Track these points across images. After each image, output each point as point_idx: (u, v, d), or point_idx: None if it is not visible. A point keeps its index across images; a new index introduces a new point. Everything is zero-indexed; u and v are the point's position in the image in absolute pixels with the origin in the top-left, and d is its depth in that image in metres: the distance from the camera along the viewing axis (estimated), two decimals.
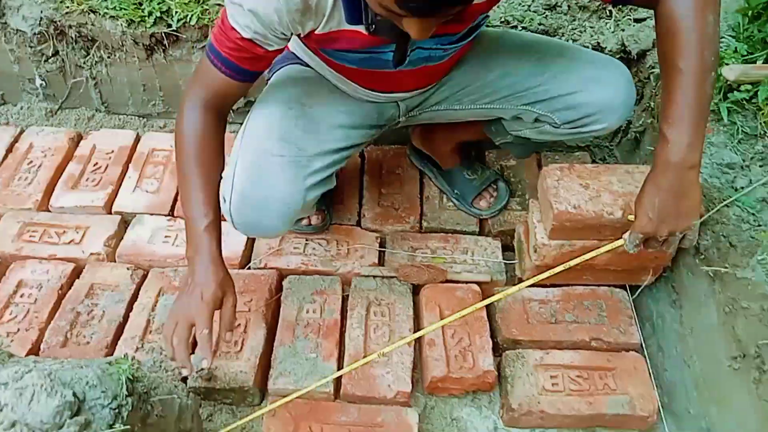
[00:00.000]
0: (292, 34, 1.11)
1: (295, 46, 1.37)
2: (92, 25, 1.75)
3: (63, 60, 1.84)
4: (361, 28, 1.10)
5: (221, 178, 1.22)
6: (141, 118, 1.97)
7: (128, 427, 0.89)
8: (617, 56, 1.63)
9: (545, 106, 1.31)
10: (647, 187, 1.15)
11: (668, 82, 1.10)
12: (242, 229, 1.25)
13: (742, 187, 1.33)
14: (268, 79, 1.40)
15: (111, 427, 0.89)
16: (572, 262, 1.24)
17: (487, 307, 1.52)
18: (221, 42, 1.11)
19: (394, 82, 1.30)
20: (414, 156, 1.82)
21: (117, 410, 0.90)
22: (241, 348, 1.40)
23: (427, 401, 1.43)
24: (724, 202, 1.31)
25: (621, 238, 1.20)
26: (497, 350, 1.48)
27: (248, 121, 1.28)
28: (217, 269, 1.19)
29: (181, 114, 1.21)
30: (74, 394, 0.86)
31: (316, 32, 1.12)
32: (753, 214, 1.28)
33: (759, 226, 1.24)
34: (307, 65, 1.37)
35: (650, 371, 1.41)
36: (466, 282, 1.56)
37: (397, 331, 1.46)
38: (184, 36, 1.77)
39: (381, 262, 1.62)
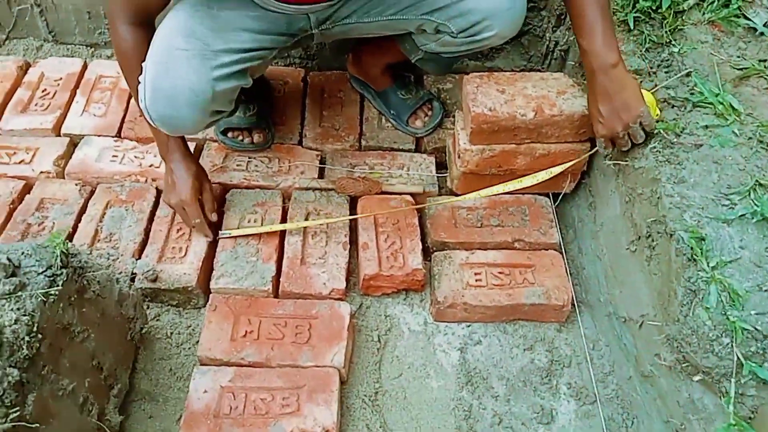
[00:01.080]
0: None
1: None
2: None
3: None
4: None
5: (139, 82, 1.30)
6: (89, 48, 2.01)
7: (60, 288, 0.97)
8: None
9: (441, 15, 1.40)
10: (589, 98, 1.36)
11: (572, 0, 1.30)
12: (160, 124, 1.33)
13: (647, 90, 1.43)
14: None
15: (47, 292, 0.98)
16: (555, 169, 1.49)
17: (419, 214, 1.63)
18: None
19: None
20: (354, 80, 1.89)
21: (52, 278, 0.99)
22: (186, 253, 1.49)
23: (363, 301, 1.54)
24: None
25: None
26: (427, 254, 1.58)
27: (159, 27, 1.35)
28: (190, 164, 1.48)
29: (115, 33, 1.33)
30: (9, 260, 0.95)
31: None
32: None
33: (658, 122, 1.34)
34: None
35: (567, 267, 1.53)
36: (400, 193, 1.66)
37: (333, 237, 1.56)
38: None
39: (321, 177, 1.71)
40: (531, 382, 1.43)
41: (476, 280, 1.49)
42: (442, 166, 1.77)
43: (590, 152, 1.48)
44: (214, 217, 1.50)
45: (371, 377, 1.41)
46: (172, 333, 1.43)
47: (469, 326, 1.51)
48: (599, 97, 1.32)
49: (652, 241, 1.24)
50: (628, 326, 1.37)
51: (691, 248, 1.10)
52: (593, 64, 1.30)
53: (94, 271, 1.13)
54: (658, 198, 1.20)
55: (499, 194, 1.62)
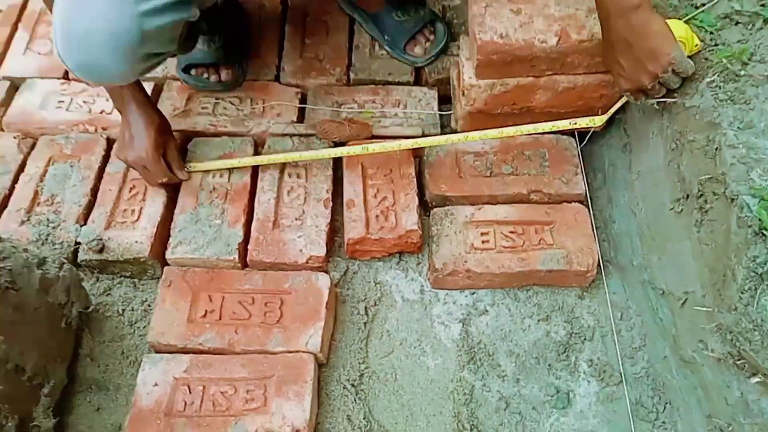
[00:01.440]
0: None
1: None
2: None
3: None
4: None
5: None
6: None
7: None
8: None
9: None
10: (604, 46, 1.10)
11: None
12: (80, 74, 1.05)
13: (703, 4, 1.11)
14: None
15: None
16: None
17: (417, 162, 1.37)
18: None
19: None
20: (342, 0, 1.59)
21: None
22: (138, 217, 1.27)
23: (349, 265, 1.31)
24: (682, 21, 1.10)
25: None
26: (427, 209, 1.34)
27: None
28: (151, 114, 1.25)
29: None
30: None
31: None
32: (711, 32, 1.07)
33: (716, 45, 1.04)
34: None
35: (593, 223, 1.27)
36: (395, 137, 1.39)
37: (313, 193, 1.32)
38: None
39: (301, 120, 1.45)
40: (545, 358, 1.21)
41: (482, 242, 1.25)
42: (446, 100, 1.49)
43: (619, 103, 1.18)
44: (184, 176, 1.31)
45: (356, 357, 1.21)
46: (124, 310, 1.24)
47: (473, 293, 1.28)
48: (617, 47, 1.04)
49: (705, 202, 0.96)
50: (667, 300, 1.12)
51: (760, 219, 0.83)
52: (609, 6, 1.02)
53: (4, 258, 0.91)
54: (717, 148, 0.92)
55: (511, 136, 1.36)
